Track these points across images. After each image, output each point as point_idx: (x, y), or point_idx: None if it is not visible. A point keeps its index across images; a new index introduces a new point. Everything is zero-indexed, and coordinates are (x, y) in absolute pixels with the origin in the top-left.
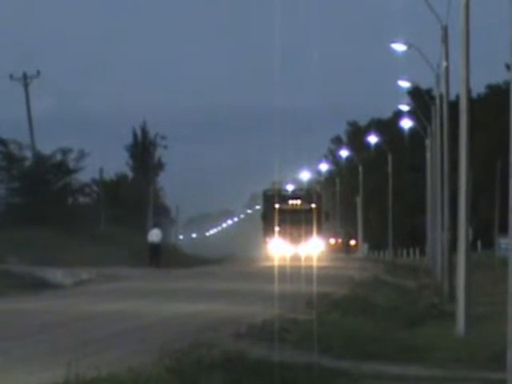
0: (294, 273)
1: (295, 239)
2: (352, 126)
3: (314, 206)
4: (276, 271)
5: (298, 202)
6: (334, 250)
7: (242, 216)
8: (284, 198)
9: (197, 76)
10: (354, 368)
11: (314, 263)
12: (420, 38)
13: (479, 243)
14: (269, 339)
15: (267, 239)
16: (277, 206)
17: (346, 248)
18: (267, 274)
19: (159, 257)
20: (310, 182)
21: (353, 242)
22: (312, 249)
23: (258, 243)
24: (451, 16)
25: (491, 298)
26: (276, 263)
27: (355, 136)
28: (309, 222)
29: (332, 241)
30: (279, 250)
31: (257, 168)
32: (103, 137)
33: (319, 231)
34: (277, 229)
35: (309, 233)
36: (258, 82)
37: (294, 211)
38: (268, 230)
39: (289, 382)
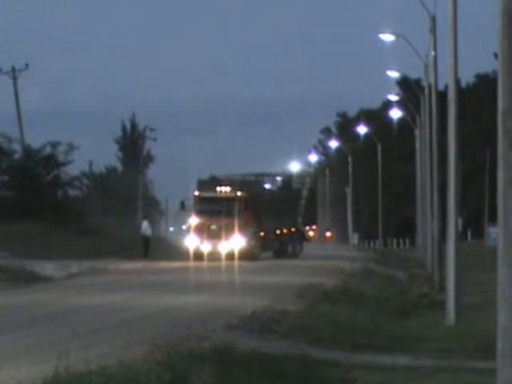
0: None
1: (213, 234)
2: (341, 117)
3: (239, 193)
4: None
5: (227, 189)
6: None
7: None
8: (212, 184)
9: (185, 68)
10: (345, 358)
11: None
12: (408, 28)
13: (469, 232)
14: (259, 330)
15: (186, 233)
16: (196, 193)
17: (322, 239)
18: (256, 268)
19: (147, 249)
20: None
21: (328, 234)
22: (233, 246)
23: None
24: (439, 6)
25: (481, 288)
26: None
27: (345, 127)
28: (230, 214)
29: (311, 233)
30: (194, 245)
31: (246, 160)
32: (92, 130)
33: (245, 225)
34: (193, 221)
35: (230, 227)
36: (246, 74)
37: (215, 200)
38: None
39: (279, 374)
